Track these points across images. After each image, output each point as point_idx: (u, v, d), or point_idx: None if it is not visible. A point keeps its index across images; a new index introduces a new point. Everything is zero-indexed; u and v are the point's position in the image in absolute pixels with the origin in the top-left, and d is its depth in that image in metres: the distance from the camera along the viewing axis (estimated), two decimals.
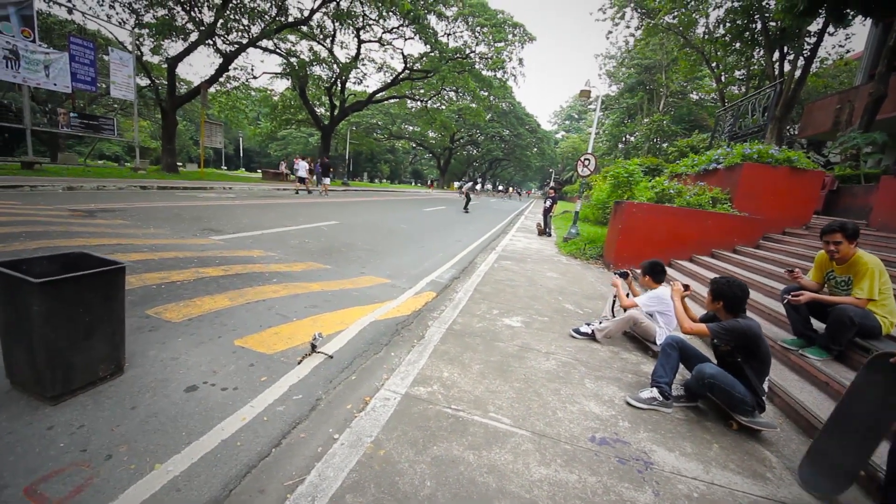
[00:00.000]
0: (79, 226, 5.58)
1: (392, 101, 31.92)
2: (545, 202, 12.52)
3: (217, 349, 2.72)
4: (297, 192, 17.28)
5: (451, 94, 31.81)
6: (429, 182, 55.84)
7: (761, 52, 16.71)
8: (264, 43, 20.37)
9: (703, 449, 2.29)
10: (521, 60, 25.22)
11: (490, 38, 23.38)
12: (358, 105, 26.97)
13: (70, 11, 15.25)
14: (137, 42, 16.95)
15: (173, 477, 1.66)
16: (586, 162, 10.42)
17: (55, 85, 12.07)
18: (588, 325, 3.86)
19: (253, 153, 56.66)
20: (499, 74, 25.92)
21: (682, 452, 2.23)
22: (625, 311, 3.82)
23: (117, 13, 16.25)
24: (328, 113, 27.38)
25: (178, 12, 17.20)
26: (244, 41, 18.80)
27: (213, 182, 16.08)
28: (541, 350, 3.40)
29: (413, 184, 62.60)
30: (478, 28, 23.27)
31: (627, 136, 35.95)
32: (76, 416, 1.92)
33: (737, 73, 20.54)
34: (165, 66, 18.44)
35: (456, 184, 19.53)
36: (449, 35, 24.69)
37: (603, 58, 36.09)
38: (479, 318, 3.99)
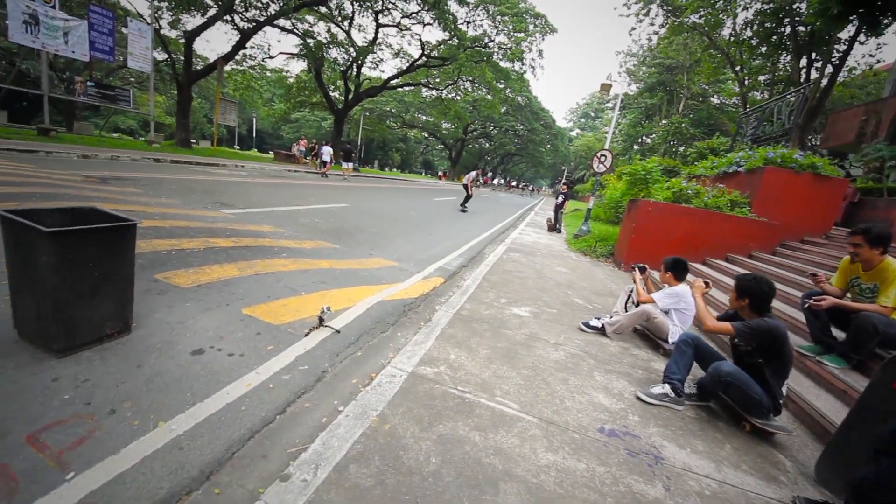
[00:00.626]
0: (91, 191, 5.59)
1: (407, 88, 31.64)
2: (557, 198, 12.36)
3: (225, 316, 2.69)
4: (325, 175, 17.38)
5: (467, 84, 31.39)
6: (439, 173, 55.54)
7: (788, 58, 16.21)
8: (282, 22, 20.19)
9: (714, 448, 2.22)
10: (540, 52, 24.73)
11: (510, 27, 22.93)
12: (373, 90, 26.73)
13: None
14: (156, 15, 16.88)
15: (176, 436, 1.63)
16: (602, 158, 10.23)
17: (73, 53, 12.07)
18: (598, 319, 3.78)
19: (266, 134, 56.69)
20: (516, 66, 25.48)
21: (694, 450, 2.16)
22: (637, 305, 3.74)
23: None
24: (342, 97, 27.21)
25: None
26: (262, 19, 18.65)
27: (226, 159, 16.10)
28: (549, 340, 3.34)
29: (423, 174, 62.34)
30: (498, 17, 22.81)
31: (644, 138, 35.34)
32: (82, 370, 1.90)
33: (761, 77, 19.98)
34: (183, 40, 18.38)
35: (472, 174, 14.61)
36: (469, 23, 24.27)
37: (624, 55, 35.35)
38: (486, 306, 3.93)
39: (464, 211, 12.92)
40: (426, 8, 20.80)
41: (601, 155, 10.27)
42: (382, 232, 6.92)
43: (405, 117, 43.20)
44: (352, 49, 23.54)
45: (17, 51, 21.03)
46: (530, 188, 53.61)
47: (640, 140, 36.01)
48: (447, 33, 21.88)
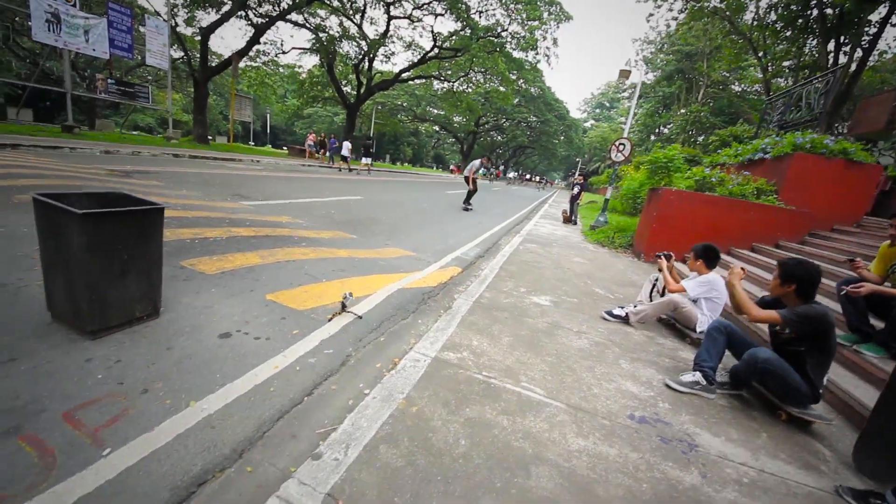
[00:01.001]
0: (116, 183, 5.72)
1: (418, 81, 31.45)
2: (572, 189, 12.16)
3: (249, 301, 2.71)
4: (350, 171, 17.70)
5: (479, 76, 31.03)
6: (451, 167, 55.26)
7: (815, 42, 15.50)
8: (295, 17, 20.26)
9: (750, 437, 2.14)
10: (555, 40, 24.16)
11: (524, 15, 22.46)
12: (384, 84, 26.65)
13: None
14: (172, 12, 17.12)
15: (208, 415, 1.65)
16: (621, 147, 9.99)
17: (94, 50, 12.33)
18: (621, 308, 3.70)
19: (279, 130, 57.22)
20: (530, 56, 25.02)
21: (728, 438, 2.09)
22: (661, 295, 3.64)
23: None
24: (354, 92, 27.23)
25: None
26: (275, 14, 18.73)
27: (242, 154, 16.32)
28: (571, 328, 3.28)
29: (435, 168, 62.18)
30: (512, 4, 22.36)
31: (661, 128, 34.46)
32: (113, 352, 1.93)
33: (785, 63, 19.17)
34: (199, 37, 18.61)
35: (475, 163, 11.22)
36: (481, 13, 23.89)
37: (641, 43, 34.41)
38: (506, 295, 3.88)
39: (467, 209, 10.20)
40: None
41: (620, 144, 10.03)
42: (397, 223, 6.91)
43: (416, 111, 43.04)
44: (363, 42, 23.49)
45: (40, 51, 21.63)
46: (544, 181, 52.88)
47: (657, 130, 35.12)
48: (460, 23, 21.60)
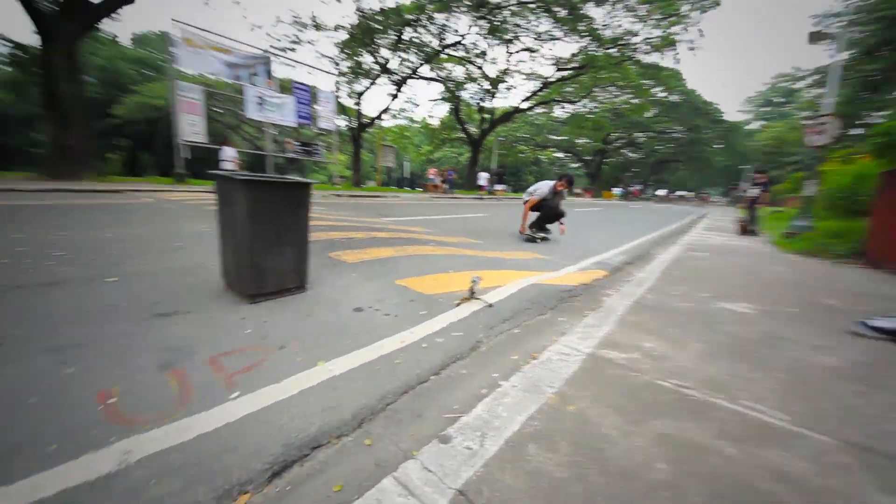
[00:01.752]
0: None
1: (539, 110, 31.36)
2: (746, 191, 9.62)
3: (382, 285, 2.66)
4: (482, 198, 18.84)
5: (606, 92, 29.04)
6: (578, 191, 52.38)
7: None
8: (427, 73, 22.93)
9: None
10: (700, 31, 20.88)
11: (658, 15, 20.23)
12: (506, 117, 27.40)
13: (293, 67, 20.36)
14: (336, 85, 21.47)
15: (333, 376, 1.48)
16: (821, 127, 7.48)
17: (285, 120, 16.18)
18: (890, 318, 2.36)
19: (416, 176, 64.70)
20: (668, 58, 22.17)
21: None
22: None
23: (323, 66, 20.97)
24: (478, 129, 28.78)
25: (365, 58, 21.10)
26: (409, 73, 21.58)
27: (387, 193, 18.74)
28: (804, 342, 2.19)
29: None
30: (643, 6, 20.44)
31: (867, 116, 25.47)
32: (263, 313, 2.01)
33: None
34: (356, 105, 22.75)
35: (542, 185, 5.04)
36: (606, 26, 22.63)
37: (822, 18, 26.94)
38: (679, 298, 2.96)
39: (535, 238, 5.66)
40: (559, 24, 20.39)
41: (819, 123, 7.52)
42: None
43: (537, 139, 42.75)
44: (486, 82, 24.86)
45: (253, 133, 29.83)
46: (697, 197, 44.84)
47: (862, 119, 26.10)
48: (585, 39, 20.83)
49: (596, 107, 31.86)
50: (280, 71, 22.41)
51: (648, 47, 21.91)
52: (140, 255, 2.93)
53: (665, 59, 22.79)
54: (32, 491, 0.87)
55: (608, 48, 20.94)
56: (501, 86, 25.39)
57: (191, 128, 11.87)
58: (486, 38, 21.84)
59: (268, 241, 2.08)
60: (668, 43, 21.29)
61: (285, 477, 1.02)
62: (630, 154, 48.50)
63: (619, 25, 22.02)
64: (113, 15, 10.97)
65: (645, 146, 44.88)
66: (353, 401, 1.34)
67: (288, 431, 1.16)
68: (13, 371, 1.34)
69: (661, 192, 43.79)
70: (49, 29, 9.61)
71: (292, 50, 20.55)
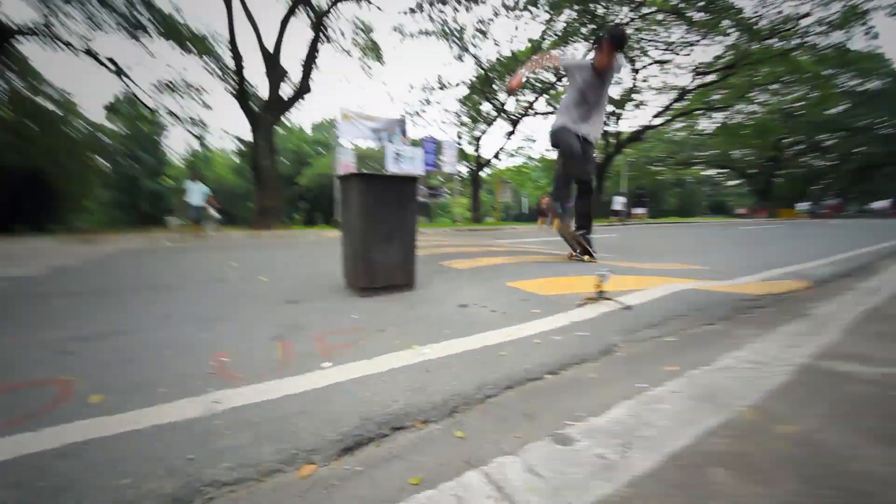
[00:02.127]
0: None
1: (677, 124, 27.72)
2: None
3: (492, 286, 2.44)
4: (627, 218, 17.85)
5: (769, 92, 23.83)
6: (742, 211, 43.06)
7: None
8: (543, 108, 23.01)
9: None
10: None
11: None
12: (634, 136, 24.99)
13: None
14: (458, 133, 23.37)
15: (426, 359, 1.29)
16: None
17: (415, 170, 18.17)
18: None
19: (534, 211, 63.99)
20: (854, 37, 17.01)
21: None
22: None
23: (448, 118, 23.16)
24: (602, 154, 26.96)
25: (483, 106, 22.59)
26: (525, 111, 22.01)
27: (504, 226, 18.89)
28: None
29: (715, 216, 50.31)
30: None
31: None
32: (371, 305, 2.00)
33: None
34: (475, 151, 24.25)
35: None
36: (759, 16, 18.97)
37: None
38: None
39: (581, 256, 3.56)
40: (694, 28, 18.07)
41: None
42: (670, 249, 5.37)
43: (678, 157, 37.43)
44: (609, 105, 23.45)
45: None
46: None
47: None
48: (733, 36, 17.88)
49: (755, 111, 26.47)
50: (413, 129, 25.76)
51: (825, 27, 17.40)
52: (292, 267, 3.44)
53: (853, 39, 17.72)
54: (130, 423, 0.90)
55: (766, 38, 17.42)
56: (628, 104, 23.53)
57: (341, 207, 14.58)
58: None
59: (377, 234, 2.12)
60: (854, 15, 16.57)
61: (357, 455, 0.83)
62: (815, 162, 37.95)
63: (780, 12, 18.21)
64: (296, 105, 14.52)
65: (837, 149, 34.55)
66: (444, 385, 1.10)
67: (369, 406, 0.99)
68: (165, 333, 1.60)
69: (882, 205, 31.99)
70: (256, 120, 13.24)
71: (423, 111, 23.39)
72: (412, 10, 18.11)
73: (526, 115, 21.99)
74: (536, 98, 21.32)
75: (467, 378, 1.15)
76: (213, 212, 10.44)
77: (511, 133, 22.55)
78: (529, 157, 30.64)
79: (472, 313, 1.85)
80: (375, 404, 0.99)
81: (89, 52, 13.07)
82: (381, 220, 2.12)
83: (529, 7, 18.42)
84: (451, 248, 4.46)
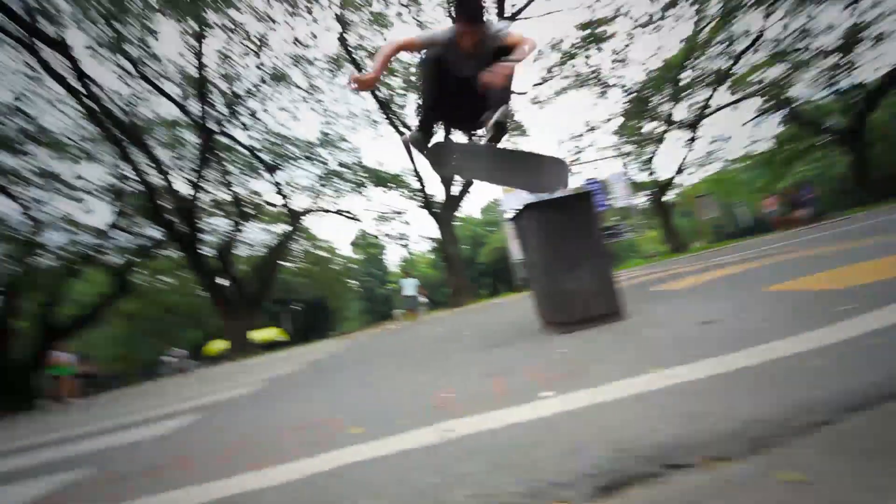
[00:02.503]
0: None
1: None
2: None
3: (740, 296, 1.86)
4: None
5: None
6: None
7: None
8: (727, 98, 18.92)
9: None
10: None
11: None
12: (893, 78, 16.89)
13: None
14: (625, 165, 21.50)
15: (681, 381, 0.96)
16: None
17: None
18: None
19: (759, 220, 49.11)
20: None
21: None
22: None
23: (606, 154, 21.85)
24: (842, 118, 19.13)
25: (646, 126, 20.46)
26: (701, 110, 18.55)
27: (720, 248, 15.09)
28: None
29: None
30: None
31: None
32: (577, 338, 1.81)
33: None
34: (650, 176, 21.60)
35: None
36: None
37: None
38: None
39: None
40: None
41: None
42: None
43: None
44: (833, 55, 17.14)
45: None
46: None
47: None
48: None
49: None
50: (571, 180, 25.33)
51: None
52: (488, 324, 3.65)
53: None
54: (380, 449, 0.98)
55: None
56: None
57: (519, 250, 15.47)
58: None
59: (560, 262, 1.94)
60: None
61: (619, 497, 0.61)
62: None
63: None
64: (465, 197, 16.99)
65: None
66: (730, 410, 0.75)
67: (619, 435, 0.75)
68: (397, 381, 1.85)
69: None
70: (439, 219, 16.20)
71: (576, 160, 23.00)
72: (543, 81, 18.77)
73: (703, 115, 18.45)
74: (712, 93, 17.83)
75: (765, 400, 0.76)
76: (422, 299, 12.62)
77: (691, 140, 19.11)
78: (727, 160, 24.67)
79: (723, 328, 1.36)
80: (626, 434, 0.75)
81: (339, 212, 19.45)
82: (561, 244, 1.95)
83: (665, 15, 16.68)
84: (658, 273, 3.74)
